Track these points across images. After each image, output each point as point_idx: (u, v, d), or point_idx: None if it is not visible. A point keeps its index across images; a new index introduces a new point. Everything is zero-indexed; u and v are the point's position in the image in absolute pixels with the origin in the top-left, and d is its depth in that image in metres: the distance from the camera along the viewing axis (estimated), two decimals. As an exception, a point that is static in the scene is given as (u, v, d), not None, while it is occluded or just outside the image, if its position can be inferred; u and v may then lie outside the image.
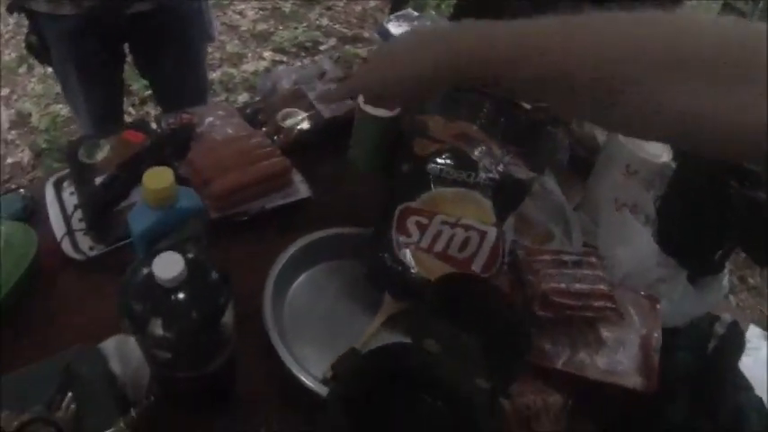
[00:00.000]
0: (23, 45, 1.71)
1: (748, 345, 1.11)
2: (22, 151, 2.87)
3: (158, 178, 0.82)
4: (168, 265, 0.66)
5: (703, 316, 1.06)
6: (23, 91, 3.19)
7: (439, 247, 0.98)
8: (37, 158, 2.85)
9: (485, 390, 0.62)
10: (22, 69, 3.31)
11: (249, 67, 3.61)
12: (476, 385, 0.62)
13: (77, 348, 0.81)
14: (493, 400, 0.64)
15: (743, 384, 0.96)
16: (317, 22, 4.20)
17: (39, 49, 1.64)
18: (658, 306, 1.06)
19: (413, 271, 0.96)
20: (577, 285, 1.01)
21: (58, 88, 3.05)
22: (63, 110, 3.03)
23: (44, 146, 2.90)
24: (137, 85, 3.00)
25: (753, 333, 1.21)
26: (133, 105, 3.05)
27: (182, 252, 0.69)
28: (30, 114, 3.06)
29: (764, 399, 0.94)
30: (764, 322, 1.34)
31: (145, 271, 0.68)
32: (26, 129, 2.99)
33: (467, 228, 1.00)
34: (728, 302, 2.83)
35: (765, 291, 3.18)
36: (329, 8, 4.39)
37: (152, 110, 2.93)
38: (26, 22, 1.61)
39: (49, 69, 1.83)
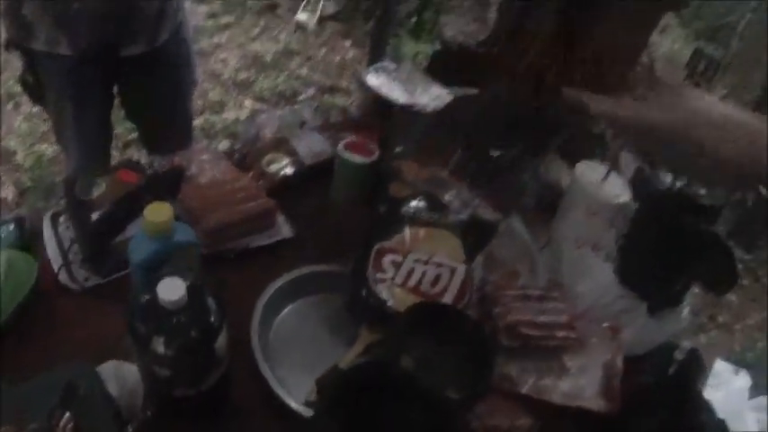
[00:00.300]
0: (16, 82, 1.76)
1: (719, 379, 1.19)
2: (7, 188, 2.90)
3: (158, 212, 0.90)
4: (171, 289, 0.74)
5: (663, 344, 1.15)
6: (9, 129, 3.21)
7: (412, 282, 1.06)
8: (21, 196, 2.88)
9: (455, 401, 0.70)
10: (9, 107, 3.33)
11: (230, 114, 3.69)
12: (447, 397, 0.70)
13: (76, 365, 0.87)
14: (463, 411, 0.72)
15: (704, 406, 1.05)
16: (297, 71, 4.31)
17: (33, 88, 1.70)
18: (620, 335, 1.15)
19: (388, 304, 1.03)
20: (542, 317, 1.10)
21: (44, 127, 3.13)
22: (48, 149, 3.07)
23: (29, 184, 2.93)
24: (120, 128, 3.05)
25: (722, 368, 1.28)
26: (117, 148, 3.10)
27: (182, 279, 0.76)
28: (15, 152, 3.09)
29: (733, 428, 1.01)
30: (735, 358, 1.43)
31: (148, 295, 0.76)
32: (10, 166, 3.02)
33: (438, 265, 1.08)
34: (697, 337, 2.94)
35: (735, 327, 3.30)
36: (309, 58, 4.50)
37: (135, 153, 2.98)
38: (14, 61, 1.67)
39: (35, 108, 1.87)
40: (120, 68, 1.69)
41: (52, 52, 1.58)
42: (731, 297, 3.50)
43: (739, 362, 1.33)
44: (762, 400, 1.28)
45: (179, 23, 1.74)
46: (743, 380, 1.31)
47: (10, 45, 1.63)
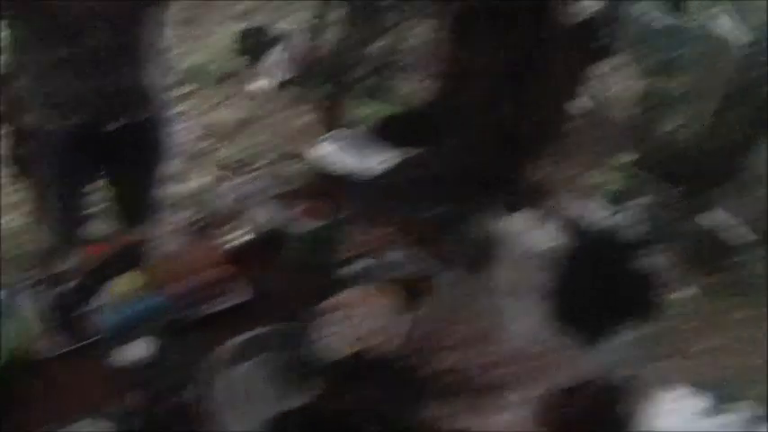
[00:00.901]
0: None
1: (679, 404, 1.29)
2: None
3: (127, 282, 1.01)
4: (144, 348, 0.85)
5: (601, 374, 1.25)
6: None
7: (359, 335, 1.17)
8: (-8, 266, 2.89)
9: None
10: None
11: (192, 184, 3.76)
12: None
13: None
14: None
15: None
16: (257, 138, 4.42)
17: (24, 161, 1.78)
18: (557, 369, 1.26)
19: (337, 357, 1.14)
20: (479, 360, 1.22)
21: (11, 199, 3.13)
22: (13, 222, 3.11)
23: (-2, 255, 2.95)
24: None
25: (683, 392, 1.33)
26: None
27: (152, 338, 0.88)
28: (-17, 223, 3.09)
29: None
30: (695, 381, 1.51)
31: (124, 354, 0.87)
32: (-22, 237, 3.02)
33: (383, 318, 1.20)
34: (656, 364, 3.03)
35: (692, 351, 3.42)
36: (268, 124, 4.61)
37: (99, 224, 3.02)
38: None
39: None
40: (107, 142, 1.75)
41: (43, 128, 1.66)
42: (692, 322, 3.63)
43: (699, 384, 1.41)
44: (722, 418, 1.33)
45: (161, 97, 1.83)
46: (703, 401, 1.35)
47: (2, 120, 1.72)
